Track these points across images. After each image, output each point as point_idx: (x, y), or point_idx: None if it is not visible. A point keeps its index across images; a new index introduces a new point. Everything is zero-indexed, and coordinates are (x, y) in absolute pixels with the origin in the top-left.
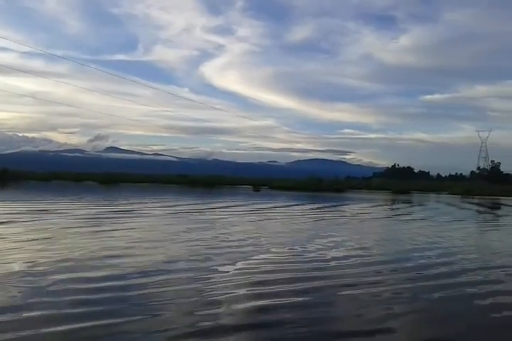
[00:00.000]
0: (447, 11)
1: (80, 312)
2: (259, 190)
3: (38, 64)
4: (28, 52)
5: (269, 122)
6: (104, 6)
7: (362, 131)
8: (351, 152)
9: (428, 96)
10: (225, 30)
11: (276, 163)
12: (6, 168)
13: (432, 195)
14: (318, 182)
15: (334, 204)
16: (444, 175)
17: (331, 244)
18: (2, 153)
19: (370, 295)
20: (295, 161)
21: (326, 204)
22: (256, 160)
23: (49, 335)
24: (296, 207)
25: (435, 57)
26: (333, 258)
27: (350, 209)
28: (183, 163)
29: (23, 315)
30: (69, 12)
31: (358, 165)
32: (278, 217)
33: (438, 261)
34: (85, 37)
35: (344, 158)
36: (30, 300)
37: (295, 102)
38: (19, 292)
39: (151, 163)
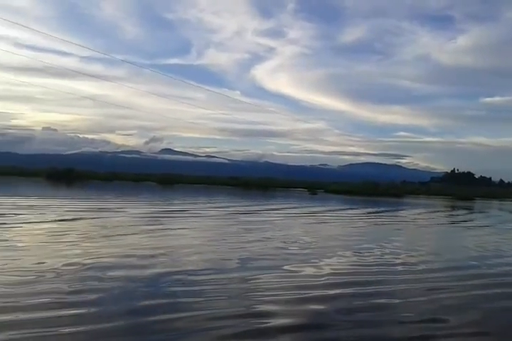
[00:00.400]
0: (507, 10)
1: (151, 305)
2: (315, 194)
3: (97, 68)
4: (88, 56)
5: (320, 125)
6: (159, 12)
7: (418, 134)
8: (407, 156)
9: (488, 99)
10: (276, 33)
11: (327, 167)
12: (71, 168)
13: (495, 202)
14: (374, 186)
15: (391, 209)
16: (507, 181)
17: (395, 250)
18: (64, 153)
19: (446, 299)
20: (347, 165)
21: (382, 209)
22: (307, 163)
23: (121, 328)
24: (352, 211)
25: (495, 58)
26: (402, 263)
27: (409, 214)
28: (235, 165)
29: (98, 308)
30: (126, 18)
31: (414, 169)
32: (335, 221)
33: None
34: (141, 42)
35: (399, 162)
36: (111, 294)
37: (347, 104)
38: (109, 286)
39: (204, 165)
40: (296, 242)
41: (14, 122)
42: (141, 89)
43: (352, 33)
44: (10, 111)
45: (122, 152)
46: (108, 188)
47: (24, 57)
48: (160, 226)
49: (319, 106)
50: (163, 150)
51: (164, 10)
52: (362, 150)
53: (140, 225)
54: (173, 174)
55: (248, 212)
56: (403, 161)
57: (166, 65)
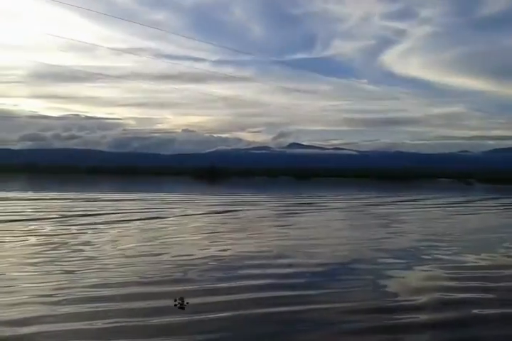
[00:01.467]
0: None
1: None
2: (471, 184)
3: (228, 70)
4: (219, 60)
5: (458, 108)
6: (284, 8)
7: None
8: None
9: None
10: (406, 14)
11: (468, 153)
12: (214, 166)
13: None
14: None
15: None
16: None
17: None
18: (202, 152)
19: None
20: (492, 150)
21: None
22: (444, 151)
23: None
24: (503, 200)
25: None
26: None
27: None
28: (364, 157)
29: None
30: (252, 18)
31: None
32: (481, 211)
33: None
34: (268, 40)
35: None
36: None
37: (489, 84)
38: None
39: (332, 158)
40: (441, 235)
41: (158, 126)
42: (269, 86)
43: (492, 4)
44: (154, 117)
45: (253, 148)
46: (246, 183)
47: (164, 65)
48: (310, 218)
49: (456, 88)
50: (290, 144)
51: (289, 5)
52: (509, 133)
53: (288, 217)
54: (307, 168)
55: (386, 203)
56: None
57: (292, 60)
